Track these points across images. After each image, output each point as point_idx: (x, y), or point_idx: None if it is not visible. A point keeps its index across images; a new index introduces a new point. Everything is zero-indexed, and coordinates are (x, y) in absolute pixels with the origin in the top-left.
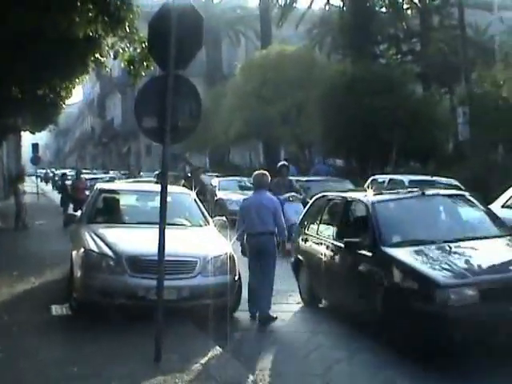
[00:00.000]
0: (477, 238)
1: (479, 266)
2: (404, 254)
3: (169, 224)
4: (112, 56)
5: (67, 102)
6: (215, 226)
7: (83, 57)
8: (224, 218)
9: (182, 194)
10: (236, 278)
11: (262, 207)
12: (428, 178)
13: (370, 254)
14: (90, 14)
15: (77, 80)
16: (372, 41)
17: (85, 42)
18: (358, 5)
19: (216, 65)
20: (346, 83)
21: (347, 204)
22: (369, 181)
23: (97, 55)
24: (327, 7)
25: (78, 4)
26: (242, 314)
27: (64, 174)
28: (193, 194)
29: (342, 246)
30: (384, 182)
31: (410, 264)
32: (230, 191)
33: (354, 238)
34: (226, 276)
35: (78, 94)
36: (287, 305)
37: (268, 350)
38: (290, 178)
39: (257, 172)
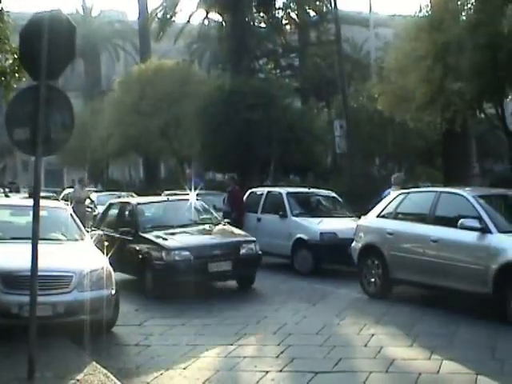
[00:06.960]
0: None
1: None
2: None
3: (43, 239)
4: None
5: None
6: (92, 240)
7: None
8: (101, 232)
9: (57, 209)
10: (113, 292)
11: None
12: (306, 190)
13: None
14: None
15: None
16: (251, 55)
17: None
18: (237, 20)
19: (95, 79)
20: (223, 97)
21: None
22: (247, 194)
23: None
24: (206, 22)
25: None
26: (120, 329)
27: None
28: (69, 208)
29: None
30: (262, 194)
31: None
32: None
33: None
34: (103, 290)
35: None
36: None
37: (146, 364)
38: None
39: None
